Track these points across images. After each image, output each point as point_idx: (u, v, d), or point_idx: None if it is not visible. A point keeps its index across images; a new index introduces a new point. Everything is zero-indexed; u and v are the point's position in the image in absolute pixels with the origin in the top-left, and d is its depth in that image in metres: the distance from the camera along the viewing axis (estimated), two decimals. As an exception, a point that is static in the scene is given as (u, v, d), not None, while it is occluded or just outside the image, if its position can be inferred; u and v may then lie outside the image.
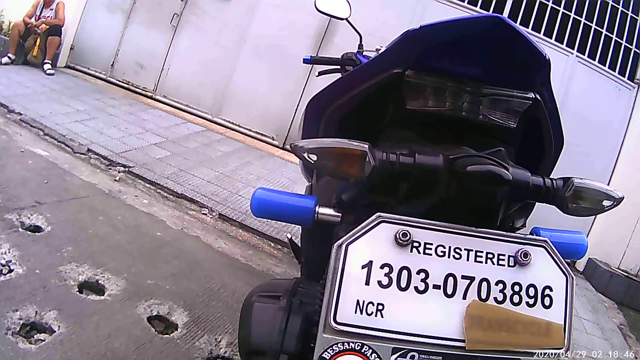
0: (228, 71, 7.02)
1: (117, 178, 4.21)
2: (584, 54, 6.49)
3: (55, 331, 2.20)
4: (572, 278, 1.13)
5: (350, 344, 1.00)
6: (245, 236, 3.98)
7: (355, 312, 1.01)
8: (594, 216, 6.14)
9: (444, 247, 1.07)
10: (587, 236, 5.49)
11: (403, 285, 1.04)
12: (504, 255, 1.10)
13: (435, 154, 1.12)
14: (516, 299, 1.08)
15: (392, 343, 1.01)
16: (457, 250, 1.08)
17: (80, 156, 4.44)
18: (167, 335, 2.44)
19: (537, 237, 1.15)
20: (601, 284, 5.82)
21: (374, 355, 1.00)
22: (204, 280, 3.05)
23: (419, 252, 1.06)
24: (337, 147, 1.09)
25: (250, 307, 1.23)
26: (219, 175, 5.00)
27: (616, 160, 6.44)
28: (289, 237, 2.28)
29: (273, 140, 6.86)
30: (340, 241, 1.04)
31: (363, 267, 1.03)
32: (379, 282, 1.03)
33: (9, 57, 6.87)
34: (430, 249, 1.07)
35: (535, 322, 1.08)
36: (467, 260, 1.08)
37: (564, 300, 1.11)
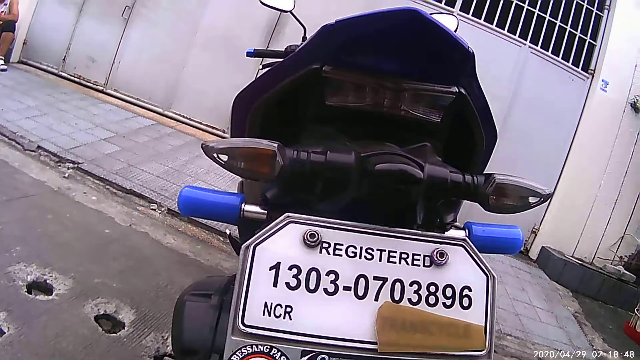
0: (179, 64, 6.97)
1: (67, 175, 4.17)
2: (537, 45, 6.58)
3: (4, 332, 2.19)
4: (494, 278, 1.12)
5: (259, 346, 0.98)
6: (194, 231, 3.96)
7: (264, 315, 1.00)
8: (544, 206, 6.25)
9: (355, 248, 1.06)
10: (539, 225, 5.56)
11: (312, 287, 1.02)
12: (419, 255, 1.08)
13: (347, 151, 1.10)
14: (432, 299, 1.06)
15: (301, 345, 0.99)
16: (369, 251, 1.06)
17: (30, 153, 4.40)
18: (114, 334, 2.43)
19: (455, 237, 1.13)
20: (555, 272, 5.91)
21: (282, 358, 0.98)
22: (152, 277, 3.03)
23: (328, 253, 1.05)
24: (246, 147, 1.07)
25: (182, 305, 1.21)
26: (169, 169, 4.97)
27: (569, 150, 6.52)
28: (229, 232, 2.27)
29: (224, 133, 6.80)
30: (248, 242, 1.03)
31: (271, 268, 1.02)
32: (287, 284, 1.02)
33: (-38, 54, 6.74)
34: (341, 249, 1.05)
35: (453, 324, 1.06)
36: (380, 260, 1.06)
37: (484, 300, 1.10)
